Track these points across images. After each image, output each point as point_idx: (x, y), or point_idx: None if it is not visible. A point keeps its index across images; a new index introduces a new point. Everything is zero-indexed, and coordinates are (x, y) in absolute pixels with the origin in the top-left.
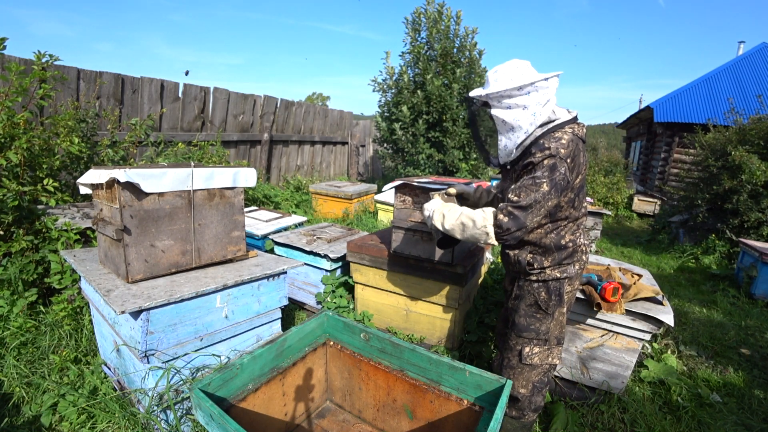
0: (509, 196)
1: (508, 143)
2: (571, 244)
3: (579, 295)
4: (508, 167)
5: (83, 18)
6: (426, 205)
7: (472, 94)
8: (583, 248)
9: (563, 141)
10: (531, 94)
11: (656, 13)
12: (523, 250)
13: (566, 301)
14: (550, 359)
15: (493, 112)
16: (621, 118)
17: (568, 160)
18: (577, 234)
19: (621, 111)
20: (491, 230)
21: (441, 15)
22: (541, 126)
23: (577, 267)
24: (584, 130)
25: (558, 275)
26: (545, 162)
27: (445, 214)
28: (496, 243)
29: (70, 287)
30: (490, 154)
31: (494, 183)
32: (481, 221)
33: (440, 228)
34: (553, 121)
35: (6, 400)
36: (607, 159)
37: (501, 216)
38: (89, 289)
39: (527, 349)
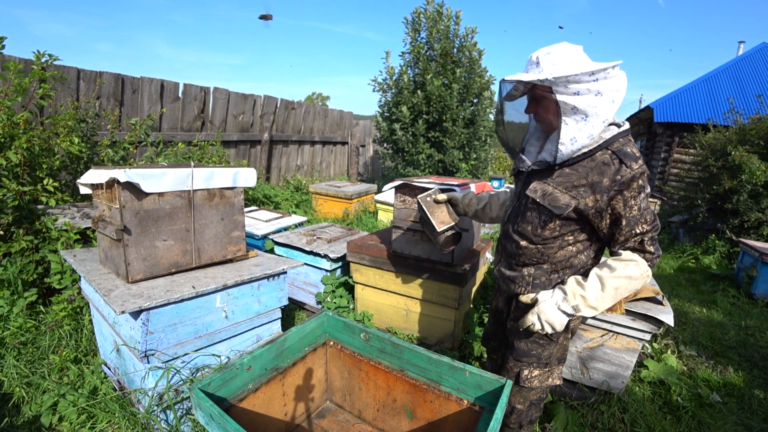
0: (637, 228)
1: (578, 134)
2: (589, 265)
3: None
4: (556, 167)
5: (83, 18)
6: (547, 316)
7: (526, 78)
8: None
9: (636, 149)
10: (600, 82)
11: (656, 13)
12: (541, 270)
13: (571, 328)
14: (550, 380)
15: (560, 98)
16: (621, 118)
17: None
18: (600, 255)
19: (621, 111)
20: (648, 274)
21: (441, 15)
22: (607, 128)
23: None
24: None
25: None
26: (645, 176)
27: (585, 296)
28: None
29: (70, 287)
30: (525, 150)
31: (494, 183)
32: (637, 270)
33: (596, 313)
34: (620, 126)
35: (6, 400)
36: None
37: (649, 248)
38: (89, 289)
39: (526, 372)
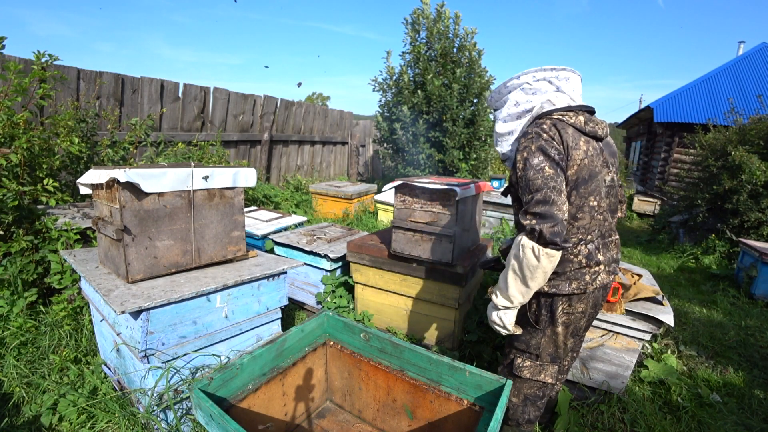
0: (524, 197)
1: (507, 149)
2: (572, 257)
3: None
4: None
5: (83, 18)
6: (488, 314)
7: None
8: (593, 266)
9: (545, 126)
10: (513, 93)
11: (656, 13)
12: None
13: (564, 323)
14: (541, 376)
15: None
16: (621, 118)
17: (554, 140)
18: (584, 245)
19: (621, 111)
20: (529, 245)
21: (440, 15)
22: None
23: (573, 286)
24: (581, 119)
25: (546, 289)
26: (532, 147)
27: (499, 285)
28: (555, 254)
29: (70, 287)
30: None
31: (494, 183)
32: (518, 249)
33: (509, 303)
34: (543, 109)
35: (6, 400)
36: None
37: (527, 224)
38: (89, 289)
39: (518, 361)
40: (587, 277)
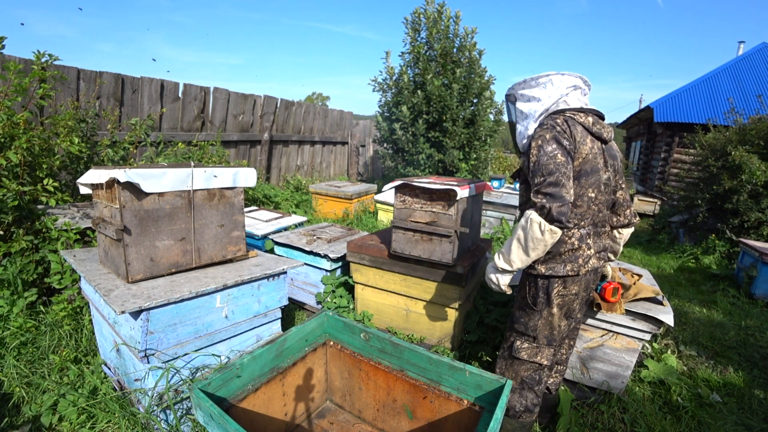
0: (534, 179)
1: (522, 130)
2: (566, 239)
3: None
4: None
5: (83, 18)
6: (485, 272)
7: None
8: (585, 249)
9: (558, 120)
10: (547, 87)
11: (656, 13)
12: None
13: (558, 304)
14: (538, 358)
15: (517, 105)
16: (621, 118)
17: (566, 133)
18: (578, 230)
19: (621, 111)
20: (537, 220)
21: (441, 15)
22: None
23: (568, 268)
24: (590, 120)
25: (543, 271)
26: (547, 136)
27: (503, 250)
28: (558, 231)
29: (70, 287)
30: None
31: (494, 183)
32: (526, 222)
33: (508, 267)
34: (559, 108)
35: (6, 400)
36: None
37: (537, 201)
38: (89, 289)
39: (518, 343)
40: (580, 260)
